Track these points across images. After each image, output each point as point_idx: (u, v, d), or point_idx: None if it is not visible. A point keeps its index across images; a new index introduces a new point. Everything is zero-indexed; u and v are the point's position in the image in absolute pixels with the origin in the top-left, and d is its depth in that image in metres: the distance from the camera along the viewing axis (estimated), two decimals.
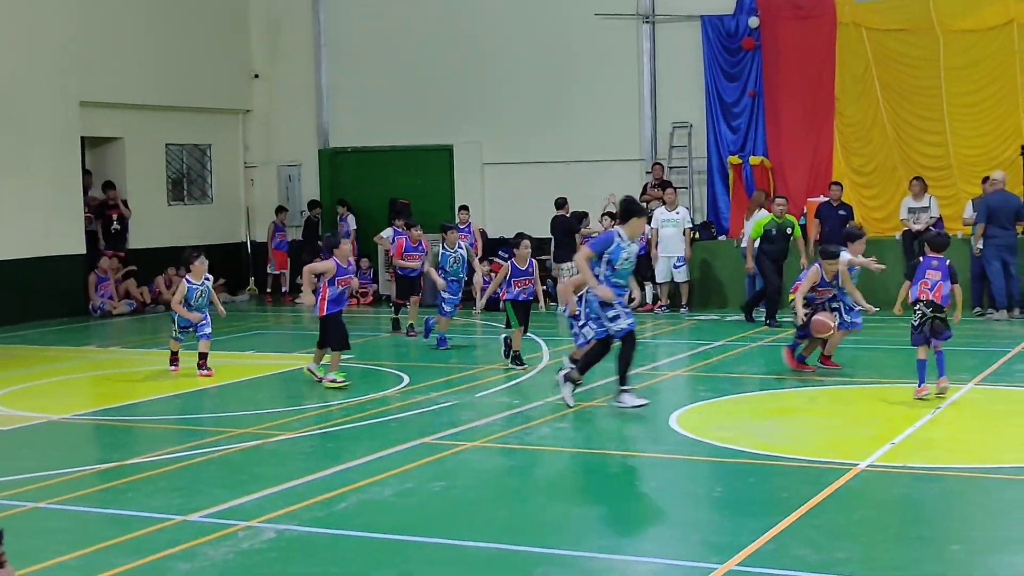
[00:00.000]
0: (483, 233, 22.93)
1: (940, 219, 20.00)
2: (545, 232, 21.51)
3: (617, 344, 11.93)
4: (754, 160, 21.88)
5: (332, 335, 13.77)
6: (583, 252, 11.95)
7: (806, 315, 13.40)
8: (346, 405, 12.65)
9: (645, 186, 22.30)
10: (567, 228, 21.11)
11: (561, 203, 21.37)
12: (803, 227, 19.47)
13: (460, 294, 17.07)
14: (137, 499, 9.08)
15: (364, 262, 23.58)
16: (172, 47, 24.10)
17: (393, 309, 18.87)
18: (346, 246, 14.09)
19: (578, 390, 12.23)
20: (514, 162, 24.00)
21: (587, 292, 12.32)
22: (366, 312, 22.26)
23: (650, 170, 22.54)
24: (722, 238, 21.74)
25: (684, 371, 14.79)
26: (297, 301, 21.83)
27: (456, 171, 24.50)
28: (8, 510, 8.68)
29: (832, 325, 13.36)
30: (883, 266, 14.54)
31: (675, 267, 20.50)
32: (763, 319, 18.49)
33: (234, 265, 25.45)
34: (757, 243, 18.63)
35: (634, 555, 7.58)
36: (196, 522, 8.31)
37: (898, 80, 21.16)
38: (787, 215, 18.86)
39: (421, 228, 18.52)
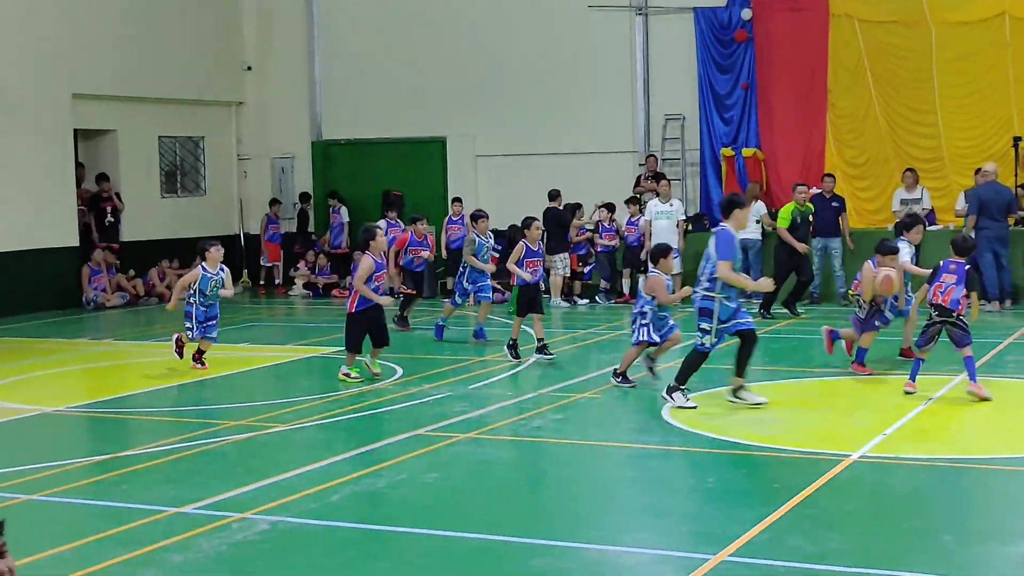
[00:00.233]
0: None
1: (932, 211, 20.06)
2: None
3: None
4: (747, 152, 21.93)
5: (349, 335, 13.57)
6: (725, 267, 11.42)
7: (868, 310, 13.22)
8: (339, 397, 12.66)
9: (639, 178, 22.33)
10: (560, 220, 21.11)
11: (554, 195, 21.35)
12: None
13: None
14: (131, 491, 9.09)
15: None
16: (165, 39, 24.06)
17: (400, 307, 18.02)
18: (382, 240, 13.71)
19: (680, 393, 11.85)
20: (507, 154, 24.01)
21: (641, 299, 12.62)
22: None
23: (644, 162, 22.56)
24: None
25: (676, 363, 14.78)
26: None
27: (449, 163, 24.49)
28: (2, 502, 8.67)
29: (896, 280, 12.94)
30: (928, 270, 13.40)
31: None
32: (759, 309, 18.47)
33: (227, 257, 25.23)
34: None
35: (627, 546, 7.59)
36: (190, 514, 8.32)
37: (891, 72, 21.20)
38: (807, 203, 19.18)
39: (426, 222, 18.45)
